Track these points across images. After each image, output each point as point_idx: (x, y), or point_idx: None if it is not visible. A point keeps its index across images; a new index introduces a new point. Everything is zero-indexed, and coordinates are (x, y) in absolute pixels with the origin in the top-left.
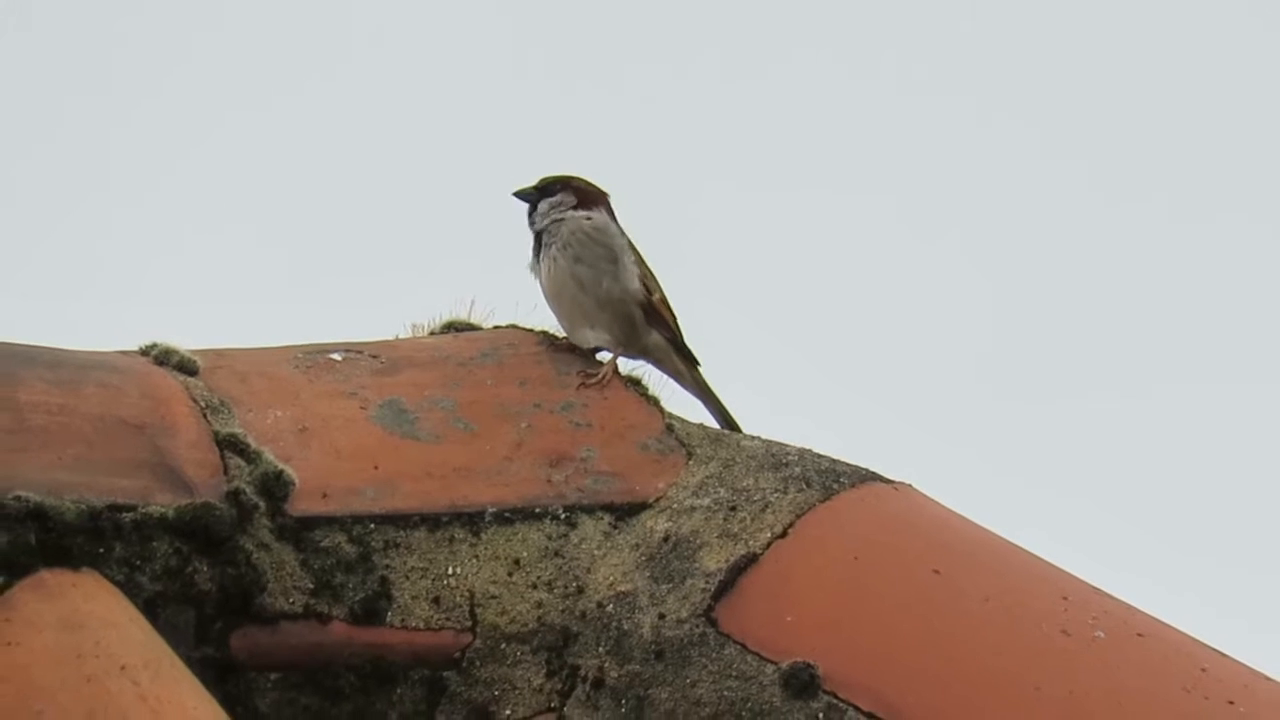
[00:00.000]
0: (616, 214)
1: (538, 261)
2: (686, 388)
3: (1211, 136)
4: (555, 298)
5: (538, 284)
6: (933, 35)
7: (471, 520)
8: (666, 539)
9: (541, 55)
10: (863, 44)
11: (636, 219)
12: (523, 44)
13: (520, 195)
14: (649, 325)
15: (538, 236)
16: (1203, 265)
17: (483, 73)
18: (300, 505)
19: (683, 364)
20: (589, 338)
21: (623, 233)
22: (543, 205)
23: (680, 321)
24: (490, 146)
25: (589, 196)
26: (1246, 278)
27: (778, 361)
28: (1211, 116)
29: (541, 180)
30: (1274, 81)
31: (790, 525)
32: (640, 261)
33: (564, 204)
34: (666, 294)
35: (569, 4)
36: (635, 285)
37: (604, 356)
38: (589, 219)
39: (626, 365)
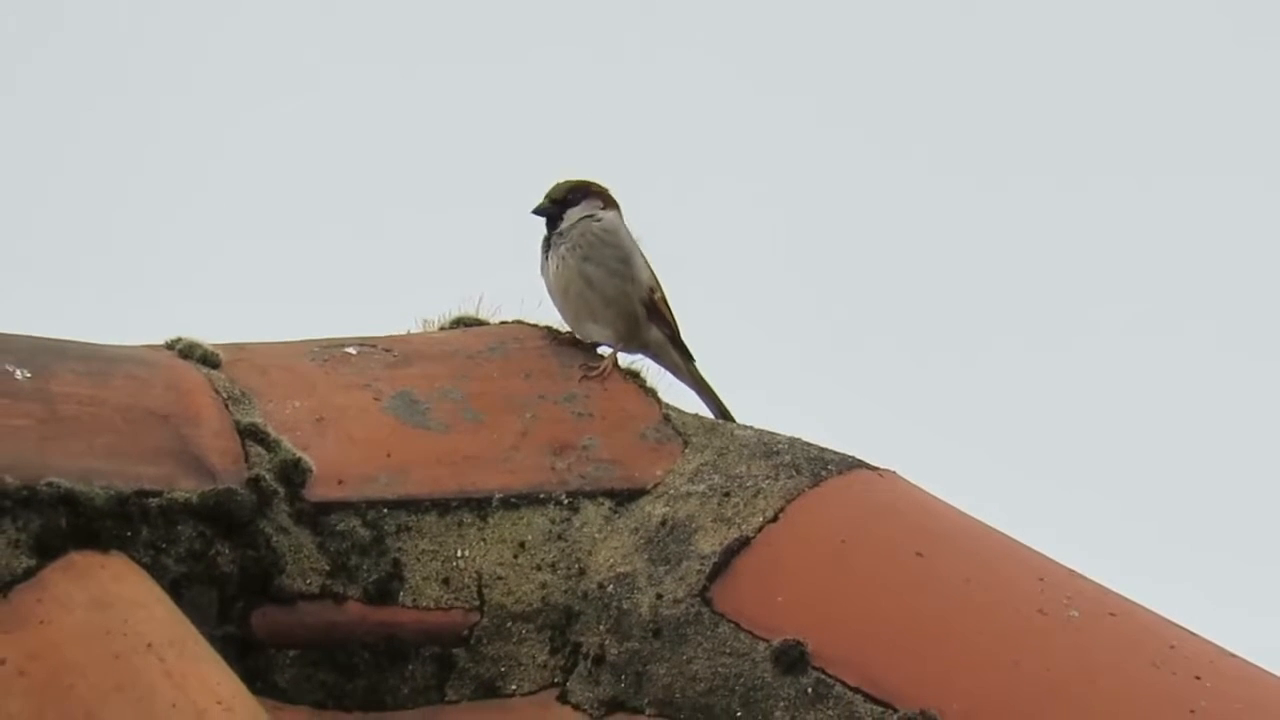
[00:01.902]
0: (623, 214)
1: (546, 259)
2: (683, 380)
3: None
4: (562, 294)
5: (543, 280)
6: (925, 31)
7: (479, 505)
8: (664, 523)
9: (545, 56)
10: (853, 38)
11: (629, 213)
12: (530, 45)
13: (539, 212)
14: (650, 322)
15: (548, 236)
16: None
17: (490, 76)
18: (317, 491)
19: (679, 358)
20: (592, 333)
21: (629, 233)
22: (571, 213)
23: (677, 318)
24: (497, 151)
25: (604, 198)
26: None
27: (769, 354)
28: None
29: (555, 190)
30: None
31: (781, 510)
32: (645, 261)
33: (588, 205)
34: (666, 292)
35: (569, 4)
36: (641, 284)
37: (604, 350)
38: (599, 221)
39: (626, 359)
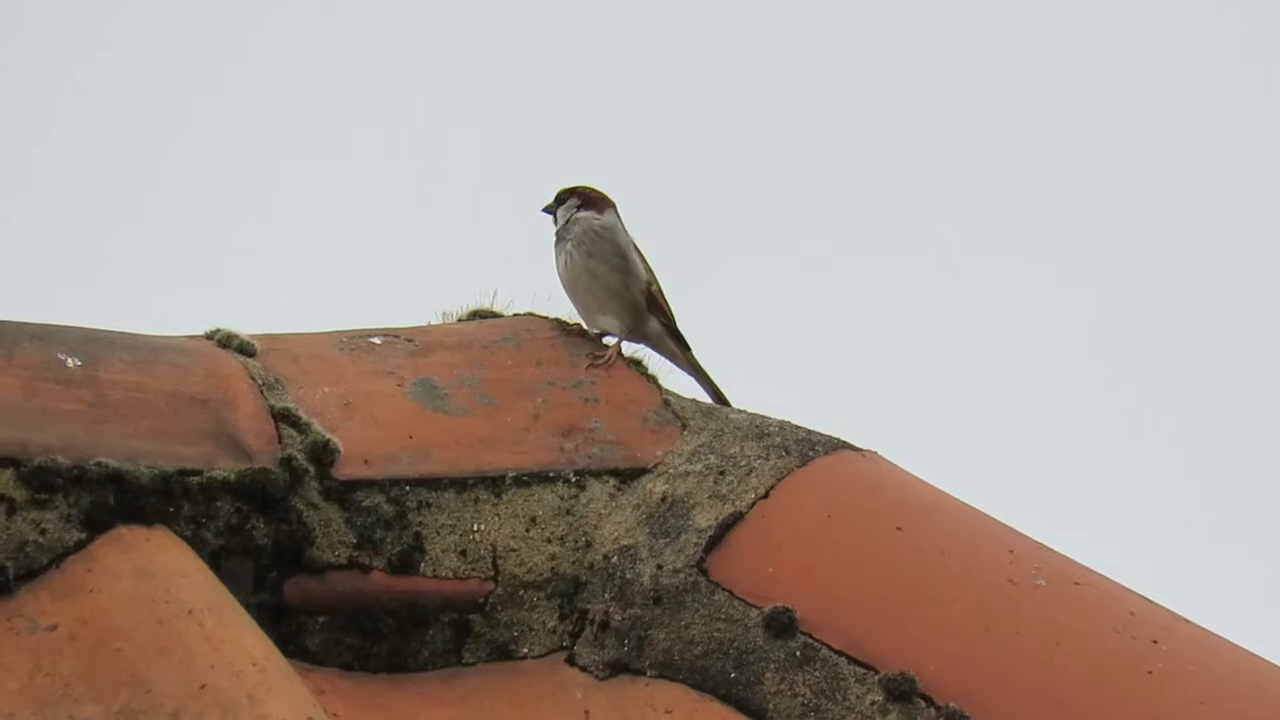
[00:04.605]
0: (622, 215)
1: (557, 256)
2: (681, 367)
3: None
4: (571, 288)
5: (557, 275)
6: (930, 33)
7: (494, 483)
8: (664, 500)
9: (558, 57)
10: (840, 28)
11: (629, 213)
12: (544, 46)
13: (546, 210)
14: (649, 313)
15: (559, 235)
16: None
17: (503, 83)
18: (345, 470)
19: (676, 347)
20: (602, 323)
21: (626, 231)
22: (560, 211)
23: (673, 310)
24: (510, 153)
25: (596, 201)
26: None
27: (762, 343)
28: None
29: (558, 193)
30: None
31: (771, 488)
32: (641, 257)
33: (571, 206)
34: (661, 285)
35: (576, 9)
36: (639, 278)
37: (609, 340)
38: (599, 220)
39: (629, 348)
